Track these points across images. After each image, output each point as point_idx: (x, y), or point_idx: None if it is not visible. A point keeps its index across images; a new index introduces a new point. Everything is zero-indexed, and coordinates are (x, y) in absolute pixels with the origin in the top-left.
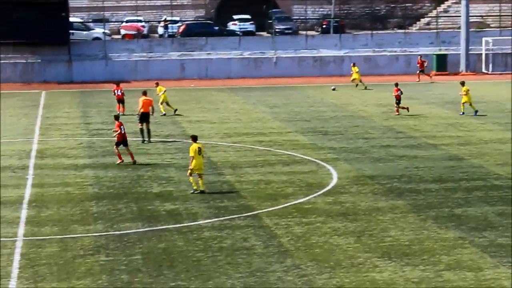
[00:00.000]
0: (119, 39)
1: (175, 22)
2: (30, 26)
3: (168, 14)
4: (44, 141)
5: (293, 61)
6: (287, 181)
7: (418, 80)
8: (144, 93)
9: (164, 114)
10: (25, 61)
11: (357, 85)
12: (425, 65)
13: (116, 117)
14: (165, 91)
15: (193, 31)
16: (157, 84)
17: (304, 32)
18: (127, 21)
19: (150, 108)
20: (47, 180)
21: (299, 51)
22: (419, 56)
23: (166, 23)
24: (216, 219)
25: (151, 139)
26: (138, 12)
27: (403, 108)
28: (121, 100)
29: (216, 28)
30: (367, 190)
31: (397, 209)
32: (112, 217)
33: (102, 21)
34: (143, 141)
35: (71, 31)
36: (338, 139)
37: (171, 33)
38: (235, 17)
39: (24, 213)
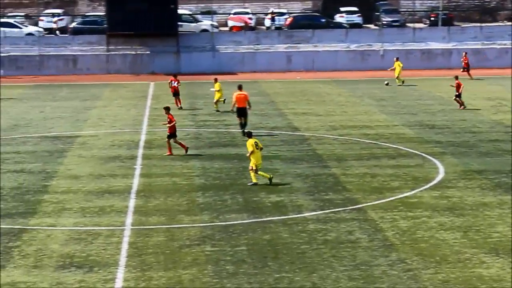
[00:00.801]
0: (226, 31)
1: (282, 14)
2: (140, 18)
3: (275, 6)
4: (152, 132)
5: (400, 54)
6: (392, 175)
7: (470, 77)
8: (239, 88)
9: (218, 111)
10: (134, 53)
11: (403, 81)
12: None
13: (167, 109)
14: (219, 89)
15: (300, 23)
16: (216, 80)
17: (411, 25)
18: (234, 13)
19: (246, 102)
20: (155, 170)
21: (406, 44)
22: (464, 53)
23: (273, 15)
24: (321, 212)
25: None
26: (246, 4)
27: (460, 103)
28: (176, 93)
29: (323, 20)
30: (475, 185)
31: (505, 204)
32: (218, 208)
33: (210, 13)
34: (243, 134)
35: (179, 23)
36: (445, 133)
37: (278, 25)
38: (342, 9)
39: (132, 203)
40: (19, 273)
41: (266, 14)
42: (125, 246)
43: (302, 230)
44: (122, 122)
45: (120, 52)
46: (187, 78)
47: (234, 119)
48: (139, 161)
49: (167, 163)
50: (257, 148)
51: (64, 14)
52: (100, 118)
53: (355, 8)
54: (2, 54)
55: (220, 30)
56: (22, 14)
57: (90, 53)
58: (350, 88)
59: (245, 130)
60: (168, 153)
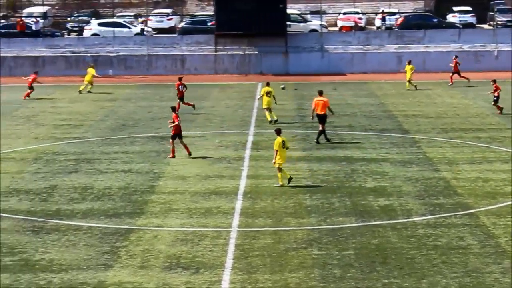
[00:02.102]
0: (336, 31)
1: (393, 14)
2: (248, 18)
3: (386, 6)
4: (260, 133)
5: None
6: (506, 179)
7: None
8: (320, 93)
9: (271, 122)
10: (242, 53)
11: (415, 86)
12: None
13: (173, 109)
14: (267, 93)
15: (411, 23)
16: (268, 84)
17: None
18: (344, 13)
19: (326, 109)
20: (262, 171)
21: None
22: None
23: (384, 15)
24: (431, 217)
25: (328, 138)
26: (356, 3)
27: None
28: (182, 98)
29: (435, 20)
30: None
31: None
32: (326, 211)
33: (319, 13)
34: (316, 142)
35: (288, 22)
36: None
37: (388, 26)
38: (455, 8)
39: (239, 204)
40: (126, 273)
41: (377, 14)
42: (231, 248)
43: (412, 235)
44: (229, 122)
45: (228, 52)
46: (295, 79)
47: (343, 120)
48: (246, 162)
49: None
50: (283, 147)
51: (173, 14)
52: (207, 118)
53: (468, 8)
54: (112, 54)
55: (329, 30)
56: (132, 14)
57: (198, 53)
58: (462, 89)
59: (327, 137)
60: (171, 156)
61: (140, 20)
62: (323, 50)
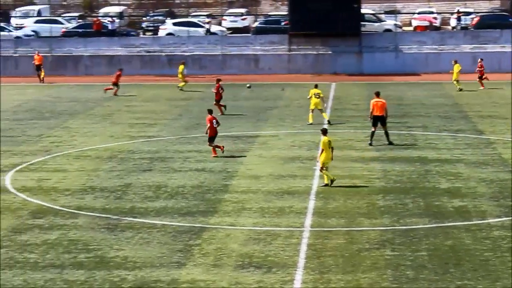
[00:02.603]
0: (410, 31)
1: (468, 14)
2: (322, 18)
3: (461, 6)
4: (333, 133)
5: None
6: None
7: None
8: (377, 94)
9: (329, 122)
10: (316, 53)
11: (461, 89)
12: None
13: (210, 111)
14: (315, 94)
15: (487, 23)
16: (316, 86)
17: None
18: (419, 13)
19: (384, 110)
20: (335, 171)
21: None
22: (480, 60)
23: (459, 14)
24: (507, 218)
25: (390, 140)
26: (431, 3)
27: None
28: (219, 100)
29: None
30: None
31: None
32: (399, 212)
33: (393, 12)
34: (370, 144)
35: (362, 22)
36: None
37: (463, 25)
38: None
39: (311, 204)
40: (199, 271)
41: (452, 13)
42: (303, 248)
43: (486, 236)
44: (302, 122)
45: (302, 52)
46: (369, 79)
47: (417, 121)
48: (319, 162)
49: (347, 164)
50: (329, 148)
51: (247, 13)
52: (280, 118)
53: None
54: (186, 54)
55: (404, 30)
56: (206, 13)
57: (271, 52)
58: None
59: (389, 139)
60: (214, 155)
61: (206, 20)
62: (397, 50)
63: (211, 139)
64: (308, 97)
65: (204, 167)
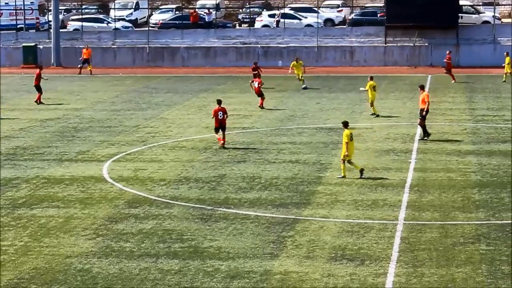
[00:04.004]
0: (509, 23)
1: None
2: (419, 10)
3: None
4: (428, 126)
5: None
6: None
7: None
8: (421, 88)
9: (377, 115)
10: (412, 45)
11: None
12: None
13: (218, 102)
14: (373, 88)
15: None
16: (371, 78)
17: None
18: None
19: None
20: (430, 165)
21: None
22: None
23: None
24: None
25: (428, 135)
26: None
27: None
28: (260, 94)
29: None
30: None
31: None
32: (495, 206)
33: (492, 4)
34: (422, 138)
35: (460, 14)
36: None
37: None
38: None
39: (405, 197)
40: (292, 262)
41: None
42: (397, 241)
43: None
44: (397, 115)
45: (398, 44)
46: (466, 71)
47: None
48: (414, 155)
49: (443, 158)
50: (351, 140)
51: (343, 5)
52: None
53: None
54: (282, 46)
55: (503, 22)
56: (303, 5)
57: (367, 45)
58: None
59: (427, 133)
60: (221, 144)
61: (277, 13)
62: (495, 42)
63: (216, 129)
64: (365, 89)
65: (298, 159)
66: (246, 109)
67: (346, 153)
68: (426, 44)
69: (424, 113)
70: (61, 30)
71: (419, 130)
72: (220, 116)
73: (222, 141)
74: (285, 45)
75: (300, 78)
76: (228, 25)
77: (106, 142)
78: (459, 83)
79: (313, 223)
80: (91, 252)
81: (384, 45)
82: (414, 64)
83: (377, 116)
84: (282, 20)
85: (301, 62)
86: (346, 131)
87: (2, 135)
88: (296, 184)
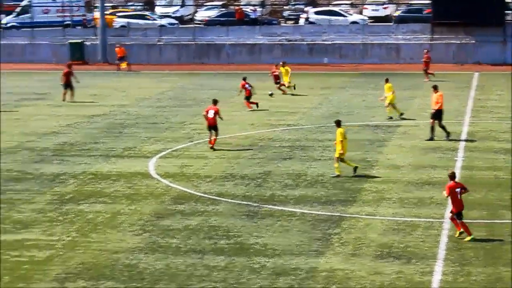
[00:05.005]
0: None
1: None
2: (466, 7)
3: None
4: (475, 123)
5: None
6: None
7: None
8: (435, 88)
9: (391, 118)
10: (458, 42)
11: None
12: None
13: (214, 101)
14: (393, 92)
15: None
16: (387, 81)
17: None
18: None
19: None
20: (476, 163)
21: None
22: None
23: None
24: None
25: (449, 136)
26: None
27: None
28: (249, 97)
29: None
30: None
31: None
32: None
33: None
34: (430, 139)
35: (507, 11)
36: None
37: None
38: None
39: None
40: (338, 260)
41: None
42: (444, 239)
43: None
44: (444, 113)
45: (444, 42)
46: None
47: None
48: (460, 153)
49: (490, 156)
50: (345, 138)
51: (389, 2)
52: (421, 108)
53: None
54: (327, 42)
55: None
56: (348, 2)
57: (413, 42)
58: None
59: (448, 136)
60: (211, 145)
61: (306, 9)
62: None
63: (208, 128)
64: (387, 94)
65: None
66: (291, 106)
67: (341, 151)
68: (473, 41)
69: (433, 113)
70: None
71: (465, 129)
72: (211, 115)
73: (211, 143)
74: (330, 42)
75: (288, 84)
76: (273, 22)
77: (153, 139)
78: (507, 81)
79: (359, 221)
80: (138, 248)
81: (430, 42)
82: (460, 61)
83: (391, 118)
84: (324, 17)
85: (288, 68)
86: (340, 129)
87: (50, 131)
88: (342, 181)
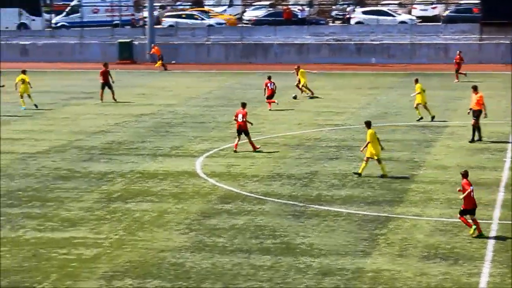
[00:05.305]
0: None
1: None
2: None
3: None
4: None
5: None
6: None
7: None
8: (474, 89)
9: (421, 118)
10: (508, 42)
11: None
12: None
13: (243, 105)
14: (419, 92)
15: None
16: (416, 81)
17: None
18: None
19: (483, 106)
20: None
21: None
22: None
23: None
24: None
25: (482, 137)
26: None
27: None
28: (271, 96)
29: None
30: None
31: None
32: None
33: None
34: (471, 140)
35: None
36: None
37: None
38: None
39: (500, 196)
40: (384, 260)
41: None
42: (491, 241)
43: None
44: (492, 113)
45: (493, 42)
46: None
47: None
48: (509, 153)
49: None
50: (376, 139)
51: (438, 2)
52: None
53: None
54: (375, 42)
55: None
56: (396, 2)
57: (462, 42)
58: None
59: (480, 137)
60: (235, 149)
61: (348, 9)
62: None
63: (238, 132)
64: (417, 93)
65: (390, 157)
66: (338, 106)
67: (373, 152)
68: None
69: (473, 113)
70: (155, 26)
71: None
72: (240, 119)
73: (253, 147)
74: (378, 42)
75: (303, 86)
76: (321, 21)
77: (199, 138)
78: None
79: (406, 221)
80: (184, 247)
81: (479, 42)
82: (509, 61)
83: (421, 119)
84: (372, 16)
85: (302, 70)
86: (370, 131)
87: (98, 130)
88: (389, 181)
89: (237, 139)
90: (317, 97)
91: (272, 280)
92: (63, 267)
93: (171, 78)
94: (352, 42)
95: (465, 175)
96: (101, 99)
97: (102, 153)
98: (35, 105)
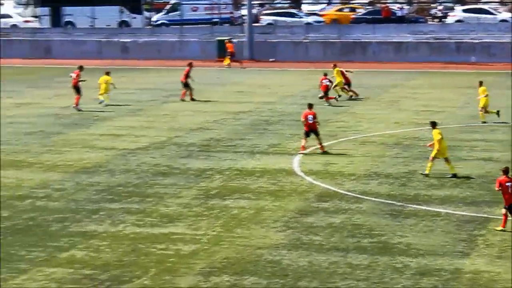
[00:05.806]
0: None
1: None
2: None
3: None
4: None
5: None
6: None
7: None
8: (480, 84)
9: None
10: None
11: None
12: None
13: (309, 106)
14: (486, 95)
15: None
16: (481, 84)
17: None
18: None
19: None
20: None
21: None
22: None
23: None
24: None
25: None
26: None
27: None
28: (326, 93)
29: None
30: None
31: None
32: None
33: None
34: None
35: None
36: None
37: None
38: None
39: None
40: (483, 262)
41: None
42: None
43: None
44: None
45: None
46: None
47: None
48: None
49: None
50: (441, 139)
51: None
52: None
53: None
54: (475, 41)
55: None
56: (497, 0)
57: None
58: None
59: None
60: (302, 150)
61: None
62: None
63: (306, 133)
64: (481, 96)
65: (490, 157)
66: (437, 105)
67: (438, 149)
68: None
69: None
70: (254, 24)
71: None
72: (310, 120)
73: (320, 147)
74: (478, 41)
75: (340, 87)
76: (421, 20)
77: (297, 136)
78: None
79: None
80: (281, 244)
81: None
82: None
83: (484, 122)
84: (472, 15)
85: (338, 69)
86: (436, 130)
87: (197, 127)
88: (488, 182)
89: (304, 140)
90: (355, 99)
91: (369, 280)
92: (161, 262)
93: (268, 76)
94: (452, 41)
95: (505, 171)
96: (182, 99)
97: (200, 150)
98: (101, 103)
